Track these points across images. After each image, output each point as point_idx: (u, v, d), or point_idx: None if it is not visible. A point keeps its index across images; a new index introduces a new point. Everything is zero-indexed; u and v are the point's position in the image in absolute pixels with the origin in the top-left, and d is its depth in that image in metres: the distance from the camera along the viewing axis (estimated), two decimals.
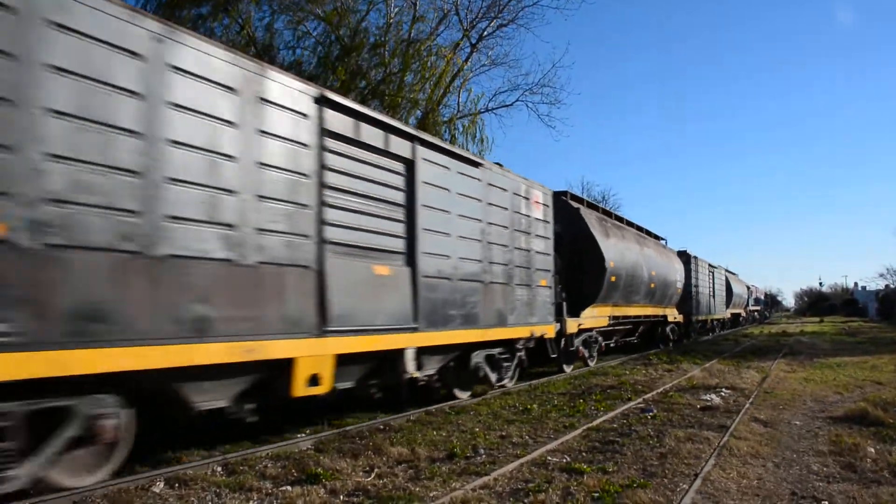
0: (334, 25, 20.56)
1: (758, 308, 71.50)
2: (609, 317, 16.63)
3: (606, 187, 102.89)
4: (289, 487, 5.46)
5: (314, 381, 6.83)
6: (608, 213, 19.57)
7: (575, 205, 16.22)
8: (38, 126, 4.56)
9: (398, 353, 8.14)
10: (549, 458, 6.57)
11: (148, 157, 5.26)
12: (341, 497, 5.27)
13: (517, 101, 24.02)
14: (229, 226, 5.93)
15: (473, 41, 22.80)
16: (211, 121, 5.84)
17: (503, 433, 7.82)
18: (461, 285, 9.49)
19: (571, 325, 14.12)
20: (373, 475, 5.84)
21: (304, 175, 6.83)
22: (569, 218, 15.40)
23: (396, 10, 21.66)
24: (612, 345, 18.45)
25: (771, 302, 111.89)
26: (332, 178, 7.24)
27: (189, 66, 5.67)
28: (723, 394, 11.15)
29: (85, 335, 4.73)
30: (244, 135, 6.18)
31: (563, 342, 13.89)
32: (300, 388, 6.68)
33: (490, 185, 10.57)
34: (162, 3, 18.32)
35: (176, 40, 5.58)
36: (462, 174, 9.79)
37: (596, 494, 5.28)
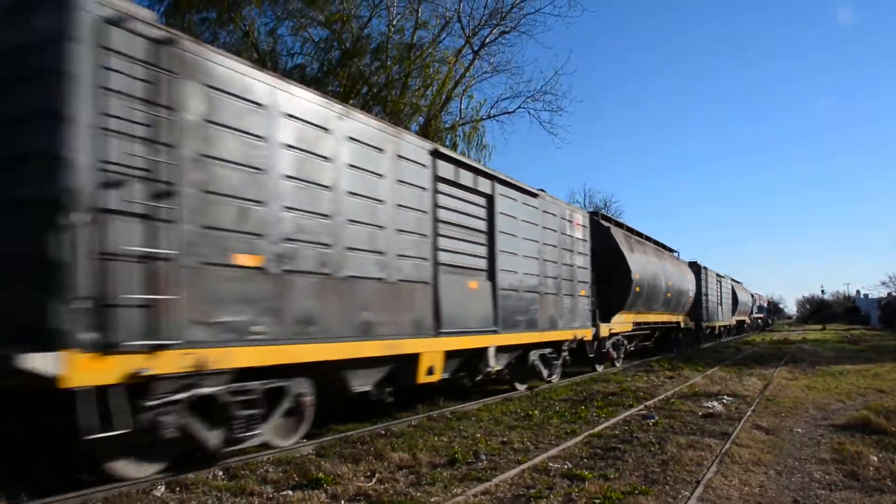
0: (336, 31, 20.63)
1: (761, 315, 73.83)
2: (633, 323, 18.81)
3: (608, 194, 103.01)
4: (290, 492, 5.45)
5: (430, 371, 8.85)
6: (631, 230, 21.25)
7: (605, 224, 18.19)
8: (278, 187, 6.48)
9: (483, 351, 10.22)
10: (551, 464, 6.57)
11: (336, 205, 7.25)
12: (342, 502, 5.27)
13: (519, 108, 24.03)
14: (381, 253, 7.91)
15: (475, 48, 22.85)
16: (370, 175, 7.85)
17: (504, 439, 7.81)
18: (525, 296, 11.58)
19: (604, 330, 16.14)
20: (374, 480, 5.83)
21: (424, 212, 8.87)
22: (600, 235, 17.09)
23: (398, 16, 21.73)
24: (632, 348, 20.16)
25: (773, 309, 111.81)
26: (441, 214, 9.27)
27: (356, 135, 7.65)
28: (724, 401, 11.13)
29: (302, 334, 6.61)
30: (389, 183, 8.18)
31: (595, 344, 15.74)
32: (422, 377, 8.72)
33: (544, 211, 12.66)
34: (168, 7, 18.41)
35: (349, 117, 7.62)
36: (525, 204, 11.89)
37: (597, 501, 5.27)
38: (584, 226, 14.86)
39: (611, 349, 17.41)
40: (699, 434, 8.20)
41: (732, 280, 44.41)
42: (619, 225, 20.15)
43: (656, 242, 24.13)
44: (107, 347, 4.85)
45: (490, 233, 10.57)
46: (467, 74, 22.81)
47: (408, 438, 7.68)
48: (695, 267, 29.00)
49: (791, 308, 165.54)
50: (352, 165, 7.53)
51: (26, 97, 5.02)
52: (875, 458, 6.96)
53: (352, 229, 7.43)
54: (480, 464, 6.51)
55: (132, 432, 5.07)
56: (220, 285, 5.82)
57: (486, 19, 22.56)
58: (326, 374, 7.27)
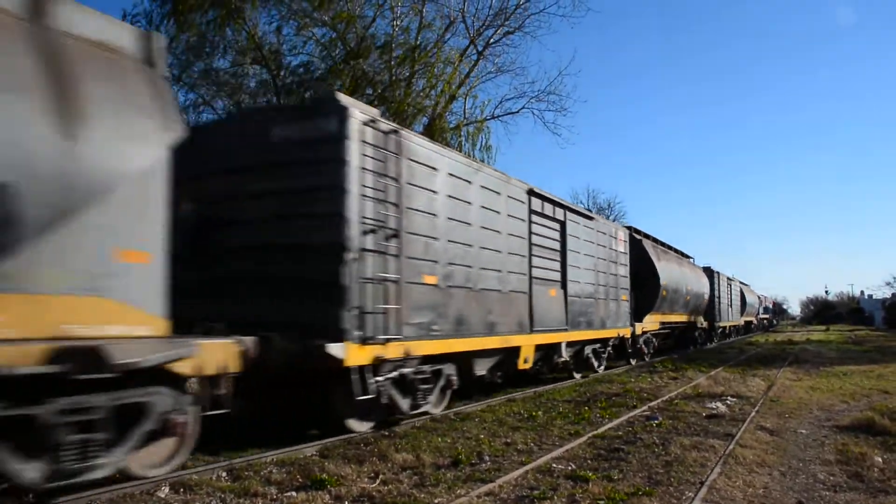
0: (341, 32, 20.64)
1: (767, 316, 76.83)
2: (660, 322, 21.80)
3: (612, 195, 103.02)
4: (294, 493, 5.46)
5: (525, 360, 11.39)
6: (657, 241, 23.91)
7: (638, 237, 20.86)
8: (444, 226, 9.08)
9: (558, 345, 12.90)
10: (555, 465, 6.57)
11: (474, 236, 9.86)
12: (346, 503, 5.27)
13: (523, 108, 24.00)
14: (499, 271, 10.58)
15: (480, 48, 22.82)
16: (493, 212, 10.51)
17: (508, 440, 7.81)
18: (585, 301, 14.36)
19: (638, 329, 19.10)
20: (377, 481, 5.83)
21: (523, 238, 11.57)
22: (634, 247, 19.61)
23: (403, 16, 21.72)
24: (656, 345, 22.52)
25: (777, 310, 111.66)
26: (534, 238, 11.97)
27: (485, 183, 10.36)
28: (728, 402, 11.12)
29: (456, 332, 9.23)
30: (503, 218, 10.86)
31: (630, 341, 18.39)
32: (520, 365, 11.31)
33: (598, 231, 15.51)
34: (169, 9, 18.44)
35: (481, 171, 10.43)
36: (585, 226, 14.73)
37: (601, 502, 5.27)
38: (624, 241, 17.91)
39: (643, 345, 20.20)
40: (703, 435, 8.19)
41: (741, 283, 47.07)
42: (648, 237, 22.55)
43: (677, 251, 26.97)
44: (364, 340, 7.39)
45: (562, 251, 13.39)
46: (472, 75, 22.81)
47: (411, 439, 7.69)
48: (708, 272, 31.61)
49: (795, 309, 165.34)
50: (483, 206, 10.20)
51: (317, 174, 7.43)
52: (879, 459, 6.95)
53: (483, 254, 10.14)
54: (484, 465, 6.51)
55: (364, 398, 7.50)
56: (416, 297, 8.39)
57: (491, 19, 22.55)
58: (463, 361, 9.80)
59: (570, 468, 6.44)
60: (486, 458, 6.79)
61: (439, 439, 7.79)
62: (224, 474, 6.01)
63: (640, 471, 6.38)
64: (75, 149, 4.64)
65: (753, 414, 9.80)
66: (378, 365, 7.62)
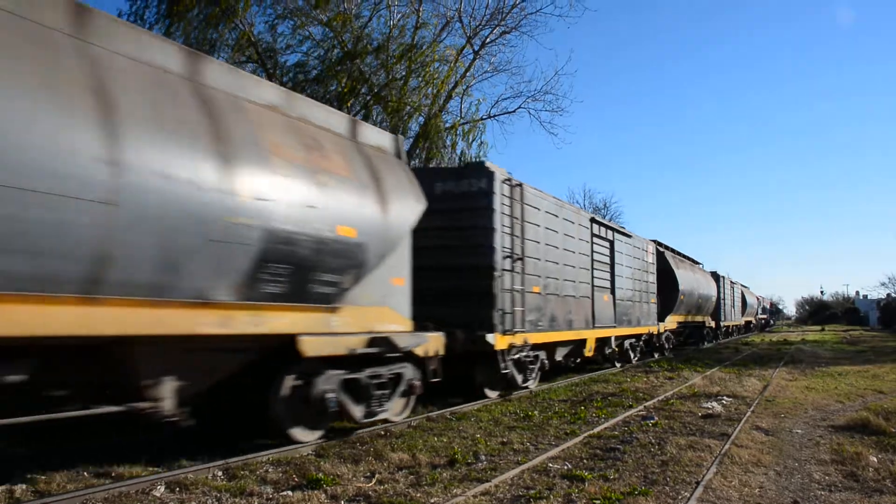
0: (337, 31, 20.60)
1: (765, 316, 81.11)
2: (677, 322, 25.24)
3: (608, 195, 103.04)
4: (289, 492, 5.45)
5: (589, 350, 14.86)
6: (675, 251, 27.73)
7: (661, 249, 24.33)
8: (544, 250, 12.41)
9: (609, 338, 16.47)
10: (551, 464, 6.57)
11: (560, 256, 13.20)
12: (342, 502, 5.26)
13: (519, 108, 24.01)
14: (573, 281, 13.94)
15: (476, 48, 22.81)
16: (570, 237, 13.88)
17: (504, 439, 7.81)
18: (627, 303, 17.83)
19: (661, 328, 22.47)
20: (374, 481, 5.82)
21: (586, 255, 14.96)
22: (658, 258, 22.90)
23: (399, 16, 21.70)
24: (674, 341, 25.93)
25: (774, 311, 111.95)
26: (594, 255, 15.40)
27: (565, 216, 13.71)
28: (724, 402, 11.13)
29: (550, 327, 12.48)
30: (576, 241, 14.29)
31: (655, 338, 21.82)
32: (586, 353, 14.80)
33: (634, 246, 19.05)
34: (164, 7, 18.33)
35: (563, 207, 13.73)
36: (626, 243, 18.21)
37: (597, 501, 5.26)
38: (653, 253, 21.49)
39: (664, 341, 23.55)
40: (699, 435, 8.20)
41: (742, 286, 51.23)
42: (669, 248, 26.30)
43: (690, 259, 31.20)
44: (505, 332, 10.70)
45: (611, 264, 16.82)
46: (468, 74, 22.81)
47: (407, 439, 7.68)
48: (715, 276, 35.11)
49: (790, 309, 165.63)
50: (564, 234, 13.62)
51: (474, 218, 10.72)
52: (874, 459, 6.96)
53: (565, 269, 13.56)
54: (480, 464, 6.51)
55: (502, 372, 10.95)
56: (529, 302, 11.61)
57: (488, 19, 22.55)
58: (550, 349, 13.08)
59: (566, 468, 6.44)
60: (483, 457, 6.79)
61: (435, 439, 7.78)
62: (220, 473, 5.99)
63: (636, 470, 6.38)
64: (387, 218, 7.67)
65: (749, 414, 9.82)
66: (508, 350, 10.89)
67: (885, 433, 8.34)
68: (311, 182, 6.61)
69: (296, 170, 6.44)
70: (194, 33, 18.55)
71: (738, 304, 45.86)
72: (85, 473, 5.78)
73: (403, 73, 21.05)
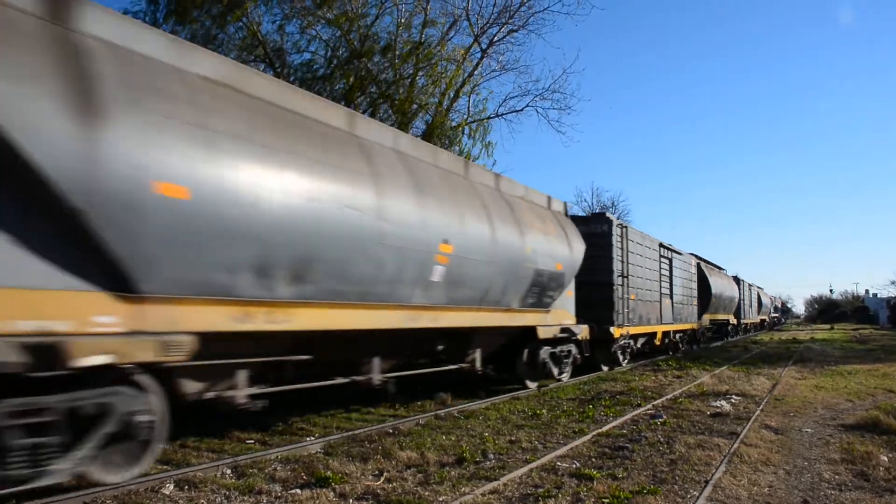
0: (344, 30, 20.61)
1: (777, 315, 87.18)
2: (710, 320, 30.86)
3: (616, 193, 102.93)
4: (298, 490, 5.46)
5: (658, 340, 20.55)
6: (707, 261, 32.73)
7: (697, 261, 28.57)
8: (641, 272, 18.38)
9: (670, 332, 21.83)
10: (559, 463, 6.56)
11: (647, 274, 19.11)
12: (351, 501, 5.27)
13: (527, 106, 24.01)
14: (651, 291, 19.25)
15: (484, 46, 22.81)
16: (651, 260, 19.48)
17: (512, 438, 7.80)
18: (679, 306, 22.86)
19: (699, 324, 27.53)
20: (382, 479, 5.83)
21: (656, 271, 19.94)
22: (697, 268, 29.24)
23: (407, 14, 21.70)
24: (709, 336, 32.29)
25: (784, 309, 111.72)
26: (661, 270, 20.53)
27: (648, 244, 19.51)
28: (733, 400, 11.09)
29: (639, 322, 18.23)
30: (654, 262, 19.90)
31: (696, 333, 27.22)
32: (657, 342, 20.68)
33: (684, 261, 24.27)
34: (172, 8, 18.39)
35: (645, 237, 19.20)
36: (679, 259, 23.47)
37: (606, 500, 5.25)
38: (695, 265, 27.11)
39: (700, 336, 28.62)
40: (707, 433, 8.18)
41: (758, 287, 58.56)
42: (701, 258, 30.73)
43: (717, 266, 37.10)
44: (619, 326, 16.07)
45: (670, 276, 21.90)
46: (476, 73, 22.80)
47: (416, 437, 7.69)
48: (737, 280, 41.56)
49: (799, 308, 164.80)
50: (646, 257, 18.53)
51: (602, 250, 15.66)
52: (885, 458, 6.92)
53: (647, 282, 18.72)
54: (488, 463, 6.51)
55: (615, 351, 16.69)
56: (632, 304, 16.99)
57: (495, 17, 22.56)
58: (634, 339, 17.89)
59: (574, 466, 6.43)
60: (491, 456, 6.79)
61: (443, 437, 7.78)
62: (228, 471, 6.01)
63: (645, 469, 6.37)
64: (572, 255, 12.39)
65: (758, 412, 9.78)
66: (619, 338, 16.16)
67: None
68: (545, 238, 11.35)
69: (540, 233, 11.20)
70: (201, 31, 18.59)
71: (755, 303, 52.39)
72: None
73: (411, 72, 21.07)
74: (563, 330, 12.44)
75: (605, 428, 8.42)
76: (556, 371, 12.76)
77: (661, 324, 20.28)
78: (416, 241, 7.89)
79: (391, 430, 8.08)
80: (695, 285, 26.39)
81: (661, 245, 20.81)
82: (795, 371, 17.09)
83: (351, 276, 7.00)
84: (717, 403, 10.63)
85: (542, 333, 11.64)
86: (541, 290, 11.21)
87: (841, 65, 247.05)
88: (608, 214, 16.17)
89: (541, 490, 5.51)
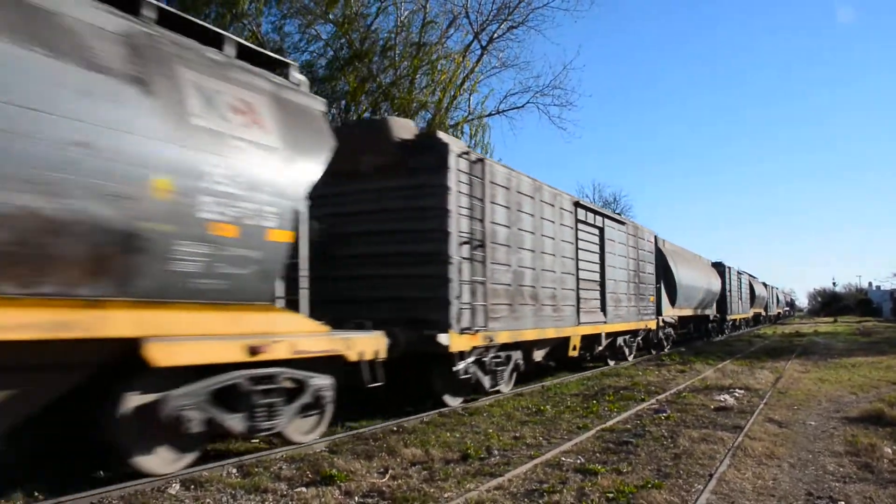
0: (344, 29, 20.62)
1: (787, 308, 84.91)
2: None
3: (617, 189, 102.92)
4: (304, 489, 5.48)
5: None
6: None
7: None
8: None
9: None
10: (564, 458, 6.57)
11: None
12: (356, 498, 5.29)
13: (528, 103, 24.11)
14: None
15: (483, 44, 22.86)
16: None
17: (517, 434, 7.82)
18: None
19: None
20: (387, 476, 5.85)
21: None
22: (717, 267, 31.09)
23: (406, 13, 21.71)
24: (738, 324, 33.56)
25: (790, 303, 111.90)
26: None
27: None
28: (736, 394, 11.09)
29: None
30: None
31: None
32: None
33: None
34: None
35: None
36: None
37: (610, 495, 5.27)
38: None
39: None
40: (711, 427, 8.19)
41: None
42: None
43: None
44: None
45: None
46: (476, 70, 22.82)
47: (420, 434, 7.70)
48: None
49: (802, 301, 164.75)
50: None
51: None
52: (889, 451, 6.92)
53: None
54: (493, 459, 6.52)
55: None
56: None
57: (494, 14, 22.60)
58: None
59: (578, 462, 6.45)
60: (495, 452, 6.80)
61: (448, 434, 7.80)
62: (234, 471, 6.03)
63: (649, 463, 6.38)
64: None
65: (762, 406, 9.79)
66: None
67: None
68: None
69: None
70: None
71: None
72: (101, 472, 5.82)
73: (411, 71, 21.08)
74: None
75: (609, 423, 8.43)
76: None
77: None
78: None
79: (395, 428, 8.10)
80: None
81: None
82: (799, 364, 17.09)
83: None
84: (721, 397, 10.64)
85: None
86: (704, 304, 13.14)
87: (847, 52, 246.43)
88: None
89: (546, 486, 5.53)
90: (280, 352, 6.22)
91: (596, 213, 15.37)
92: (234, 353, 5.79)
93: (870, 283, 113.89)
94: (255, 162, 6.00)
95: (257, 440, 6.99)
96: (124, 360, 5.11)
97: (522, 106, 24.08)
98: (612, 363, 16.70)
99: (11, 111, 4.26)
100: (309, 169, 6.66)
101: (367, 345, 7.47)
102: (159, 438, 5.58)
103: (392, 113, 21.06)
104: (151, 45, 5.38)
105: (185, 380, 5.60)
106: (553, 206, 12.49)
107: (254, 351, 5.92)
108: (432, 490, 5.41)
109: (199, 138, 5.48)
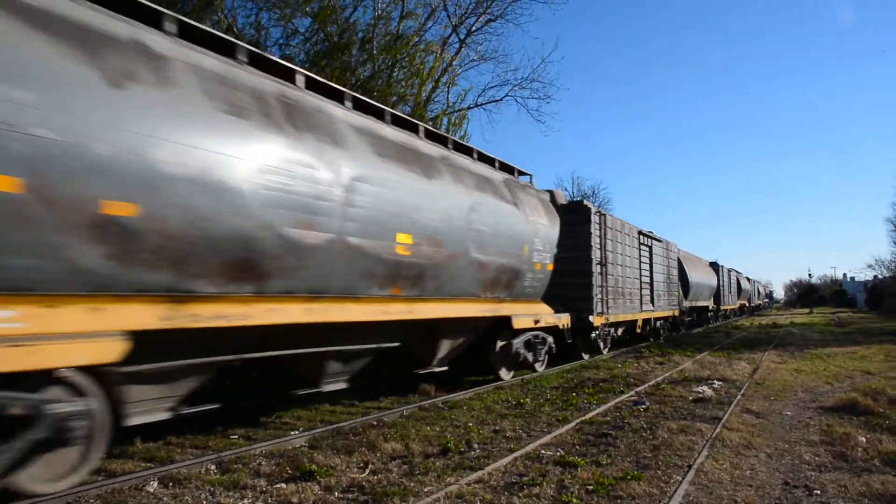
0: (322, 22, 20.45)
1: (766, 300, 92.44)
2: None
3: (596, 181, 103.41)
4: (283, 485, 5.45)
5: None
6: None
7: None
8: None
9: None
10: (543, 451, 6.59)
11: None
12: (336, 494, 5.26)
13: (506, 96, 23.98)
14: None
15: (462, 36, 22.75)
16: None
17: (496, 427, 7.83)
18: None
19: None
20: (367, 471, 5.83)
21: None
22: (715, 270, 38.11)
23: (384, 5, 21.57)
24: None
25: (768, 295, 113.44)
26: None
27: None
28: (715, 385, 11.20)
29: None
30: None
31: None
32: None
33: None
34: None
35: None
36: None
37: (590, 487, 5.30)
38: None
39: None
40: (690, 419, 8.26)
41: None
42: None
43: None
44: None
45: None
46: (454, 63, 22.75)
47: (400, 429, 7.69)
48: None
49: (778, 292, 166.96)
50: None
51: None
52: (863, 439, 7.03)
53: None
54: (473, 452, 6.53)
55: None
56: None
57: (473, 7, 22.48)
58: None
59: (558, 454, 6.47)
60: (475, 445, 6.81)
61: (428, 428, 7.80)
62: (213, 467, 5.98)
63: (629, 455, 6.42)
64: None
65: (739, 397, 9.89)
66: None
67: (874, 413, 8.43)
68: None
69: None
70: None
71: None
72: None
73: (389, 64, 20.96)
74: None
75: (588, 415, 8.48)
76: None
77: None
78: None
79: (375, 423, 8.08)
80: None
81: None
82: (776, 355, 17.30)
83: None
84: (699, 389, 10.74)
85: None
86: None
87: (831, 50, 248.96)
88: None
89: (525, 478, 5.54)
90: (543, 322, 12.50)
91: (648, 236, 21.64)
92: (530, 322, 12.00)
93: (845, 275, 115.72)
94: (543, 232, 12.29)
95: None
96: (498, 325, 11.26)
97: (501, 99, 24.00)
98: (650, 340, 22.69)
99: (463, 225, 9.77)
100: (555, 232, 12.95)
101: (565, 320, 13.62)
102: (507, 363, 12.14)
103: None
104: (512, 183, 12.09)
105: (515, 335, 11.89)
106: (629, 235, 18.90)
107: (536, 321, 12.18)
108: (412, 484, 5.40)
109: (531, 225, 11.83)
